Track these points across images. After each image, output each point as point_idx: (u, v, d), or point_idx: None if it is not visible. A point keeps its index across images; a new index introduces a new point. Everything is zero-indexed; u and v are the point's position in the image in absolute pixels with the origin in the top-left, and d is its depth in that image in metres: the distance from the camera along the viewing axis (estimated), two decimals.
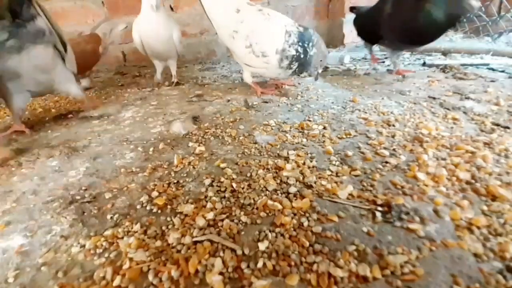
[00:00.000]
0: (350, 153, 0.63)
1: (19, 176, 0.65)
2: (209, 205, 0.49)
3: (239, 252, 0.40)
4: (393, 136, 0.69)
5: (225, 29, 0.96)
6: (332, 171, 0.57)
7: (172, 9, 2.04)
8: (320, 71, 1.06)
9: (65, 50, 0.90)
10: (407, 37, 1.12)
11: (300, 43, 0.95)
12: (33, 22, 0.78)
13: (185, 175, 0.60)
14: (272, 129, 0.79)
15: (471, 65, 1.34)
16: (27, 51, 0.79)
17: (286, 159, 0.63)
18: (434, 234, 0.41)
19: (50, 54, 0.85)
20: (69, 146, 0.77)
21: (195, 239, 0.43)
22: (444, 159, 0.59)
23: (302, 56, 0.97)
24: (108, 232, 0.45)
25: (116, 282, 0.37)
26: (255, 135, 0.75)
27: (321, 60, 1.01)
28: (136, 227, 0.46)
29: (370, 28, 1.30)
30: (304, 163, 0.60)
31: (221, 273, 0.37)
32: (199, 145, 0.72)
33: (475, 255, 0.38)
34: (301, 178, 0.56)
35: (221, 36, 1.00)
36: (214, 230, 0.44)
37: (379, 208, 0.47)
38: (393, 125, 0.75)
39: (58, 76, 0.89)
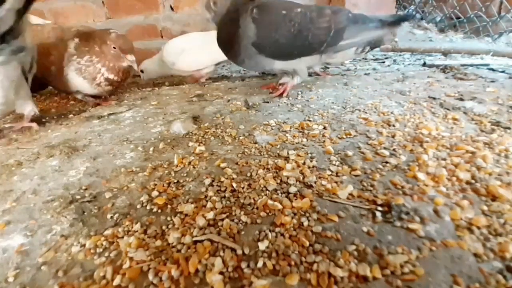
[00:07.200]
0: (350, 153, 0.63)
1: (19, 176, 0.65)
2: (209, 204, 0.50)
3: (239, 251, 0.40)
4: (393, 136, 0.69)
5: None
6: (332, 171, 0.57)
7: (172, 9, 2.04)
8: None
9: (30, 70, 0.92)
10: None
11: None
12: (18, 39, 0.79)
13: (185, 174, 0.60)
14: (272, 129, 0.79)
15: (471, 65, 1.34)
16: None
17: (286, 159, 0.63)
18: (434, 234, 0.41)
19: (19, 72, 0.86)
20: (69, 146, 0.77)
21: (195, 238, 0.43)
22: (444, 159, 0.58)
23: None
24: (108, 232, 0.45)
25: (116, 281, 0.37)
26: (255, 135, 0.75)
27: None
28: (136, 226, 0.46)
29: None
30: (304, 163, 0.60)
31: (221, 273, 0.37)
32: (199, 145, 0.72)
33: (475, 255, 0.38)
34: (301, 178, 0.56)
35: None
36: (214, 229, 0.44)
37: (379, 208, 0.47)
38: (393, 125, 0.75)
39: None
